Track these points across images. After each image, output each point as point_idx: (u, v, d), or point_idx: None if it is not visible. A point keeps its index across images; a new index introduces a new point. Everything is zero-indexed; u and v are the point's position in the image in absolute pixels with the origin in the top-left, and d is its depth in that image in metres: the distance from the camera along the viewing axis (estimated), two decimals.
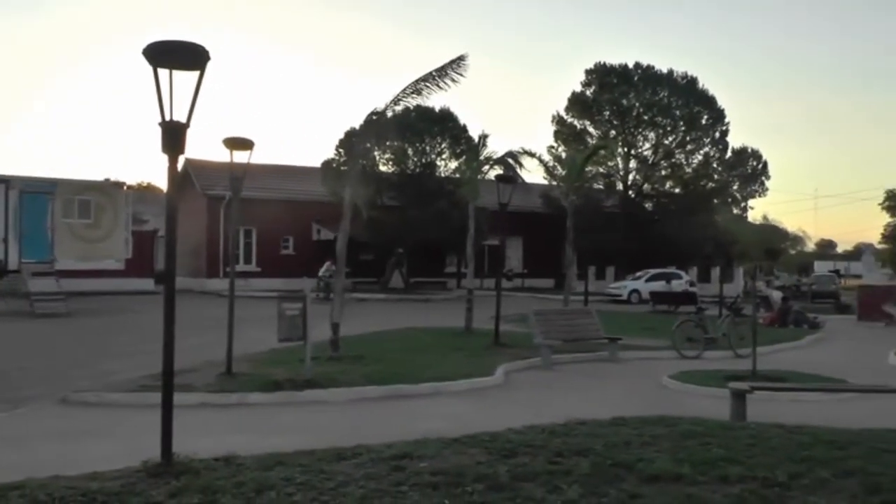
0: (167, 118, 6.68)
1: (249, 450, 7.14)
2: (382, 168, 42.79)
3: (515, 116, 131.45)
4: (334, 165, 40.07)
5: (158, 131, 6.73)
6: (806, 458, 6.93)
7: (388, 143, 40.22)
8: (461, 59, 16.52)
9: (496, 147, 69.21)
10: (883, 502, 5.75)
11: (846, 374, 15.11)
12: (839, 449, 7.32)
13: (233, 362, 13.81)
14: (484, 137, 27.40)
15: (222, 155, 14.63)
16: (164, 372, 6.95)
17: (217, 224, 40.22)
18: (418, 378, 13.94)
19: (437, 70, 16.47)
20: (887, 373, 16.68)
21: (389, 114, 17.16)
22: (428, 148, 44.02)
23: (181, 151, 6.88)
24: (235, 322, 13.99)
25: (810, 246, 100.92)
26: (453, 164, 43.53)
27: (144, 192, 56.10)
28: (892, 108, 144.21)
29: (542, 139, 67.05)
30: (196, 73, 6.74)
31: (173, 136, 6.74)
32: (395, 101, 16.76)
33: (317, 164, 42.85)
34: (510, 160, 24.81)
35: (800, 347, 22.02)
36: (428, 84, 16.51)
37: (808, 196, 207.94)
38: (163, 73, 6.63)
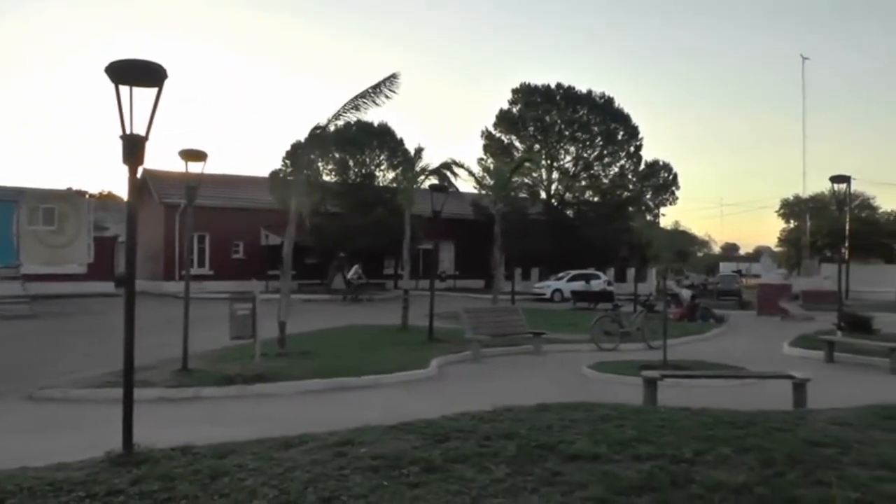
0: (128, 132, 6.62)
1: (205, 440, 7.10)
2: (326, 178, 42.60)
3: (448, 130, 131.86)
4: (281, 176, 39.77)
5: (119, 143, 6.67)
6: (709, 437, 7.09)
7: (330, 155, 40.21)
8: (394, 76, 16.53)
9: (430, 158, 69.64)
10: (776, 473, 5.93)
11: (746, 363, 15.43)
12: (738, 428, 7.52)
13: (188, 359, 13.64)
14: (419, 150, 27.48)
15: (178, 165, 14.50)
16: (125, 369, 6.88)
17: (173, 230, 39.87)
18: (359, 371, 13.91)
19: (372, 87, 16.45)
20: (781, 361, 17.04)
21: (331, 128, 17.13)
22: (368, 159, 44.11)
23: (140, 162, 6.82)
24: (190, 322, 13.84)
25: (716, 249, 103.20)
26: (391, 175, 43.67)
27: (105, 201, 55.02)
28: (785, 128, 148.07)
29: (472, 151, 67.19)
30: (154, 90, 6.70)
31: (133, 148, 6.67)
32: (336, 116, 16.70)
33: (265, 174, 42.66)
34: (443, 171, 24.93)
35: (706, 339, 22.33)
36: (365, 100, 16.48)
37: (714, 204, 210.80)
38: (124, 89, 6.57)
